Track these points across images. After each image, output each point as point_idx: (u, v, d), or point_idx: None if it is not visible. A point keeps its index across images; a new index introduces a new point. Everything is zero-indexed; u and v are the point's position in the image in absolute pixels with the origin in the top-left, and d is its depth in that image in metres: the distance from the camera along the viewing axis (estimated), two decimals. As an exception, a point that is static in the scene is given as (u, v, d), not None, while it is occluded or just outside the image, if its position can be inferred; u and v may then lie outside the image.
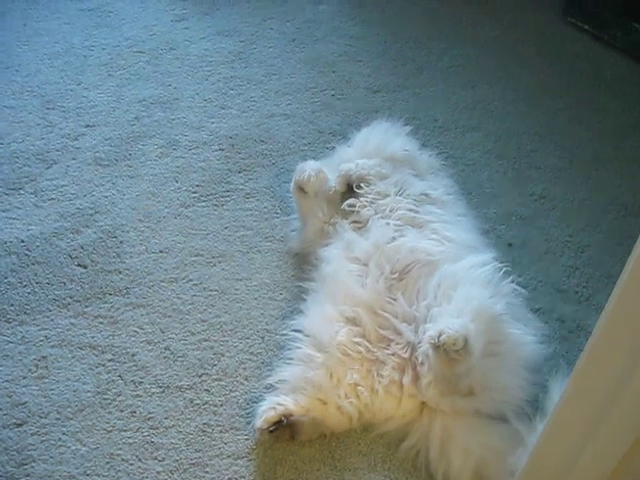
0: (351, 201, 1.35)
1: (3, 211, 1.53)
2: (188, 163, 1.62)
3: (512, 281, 1.21)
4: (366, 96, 1.83)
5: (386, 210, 1.32)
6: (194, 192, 1.56)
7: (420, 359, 1.13)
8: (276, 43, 2.01)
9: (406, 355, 1.16)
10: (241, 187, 1.57)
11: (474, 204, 1.53)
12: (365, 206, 1.33)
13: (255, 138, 1.69)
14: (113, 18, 2.12)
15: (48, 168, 1.62)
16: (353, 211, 1.34)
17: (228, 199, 1.54)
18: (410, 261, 1.24)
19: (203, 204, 1.53)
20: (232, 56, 1.96)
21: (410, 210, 1.31)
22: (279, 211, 1.51)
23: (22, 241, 1.46)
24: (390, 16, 2.13)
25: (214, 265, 1.41)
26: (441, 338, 1.04)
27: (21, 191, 1.57)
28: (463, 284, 1.16)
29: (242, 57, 1.95)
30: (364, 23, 2.09)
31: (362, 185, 1.36)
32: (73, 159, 1.64)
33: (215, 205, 1.53)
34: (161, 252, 1.43)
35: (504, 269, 1.21)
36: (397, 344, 1.18)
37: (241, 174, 1.60)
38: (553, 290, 1.41)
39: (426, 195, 1.35)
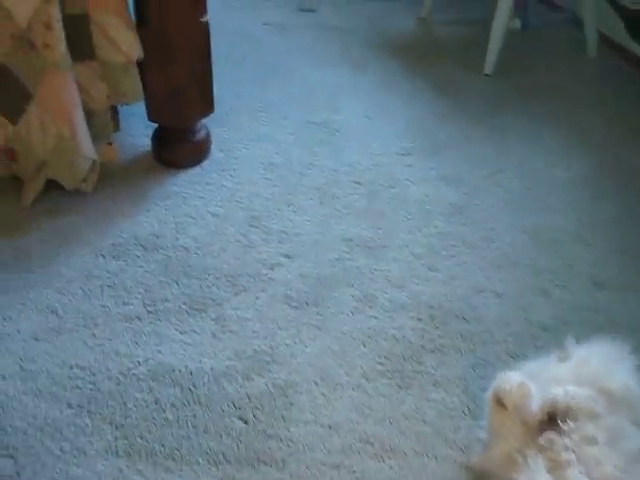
0: (551, 437, 1.23)
1: (181, 332, 1.54)
2: (381, 327, 1.56)
3: None
4: (588, 289, 1.70)
5: (590, 462, 1.18)
6: (380, 363, 1.49)
7: None
8: (499, 203, 1.93)
9: None
10: (431, 371, 1.49)
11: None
12: (566, 448, 1.21)
13: (458, 314, 1.61)
14: (338, 137, 2.14)
15: (236, 295, 1.62)
16: (551, 448, 1.22)
17: (414, 382, 1.46)
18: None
19: (386, 381, 1.46)
20: (452, 208, 1.90)
21: (619, 470, 1.17)
22: (467, 411, 1.41)
23: (191, 373, 1.45)
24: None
25: (383, 460, 1.32)
26: None
27: (203, 314, 1.58)
28: None
29: (462, 212, 1.89)
30: (600, 197, 1.98)
31: (567, 420, 1.24)
32: (263, 291, 1.63)
33: (399, 386, 1.45)
34: (330, 428, 1.37)
35: None
36: None
37: (434, 354, 1.52)
38: None
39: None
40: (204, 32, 1.78)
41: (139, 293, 1.61)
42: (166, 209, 1.84)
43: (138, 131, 2.10)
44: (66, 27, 1.66)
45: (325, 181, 1.95)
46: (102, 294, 1.61)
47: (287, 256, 1.71)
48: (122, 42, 1.72)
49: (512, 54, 2.55)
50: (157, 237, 1.76)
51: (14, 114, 1.74)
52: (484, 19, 2.61)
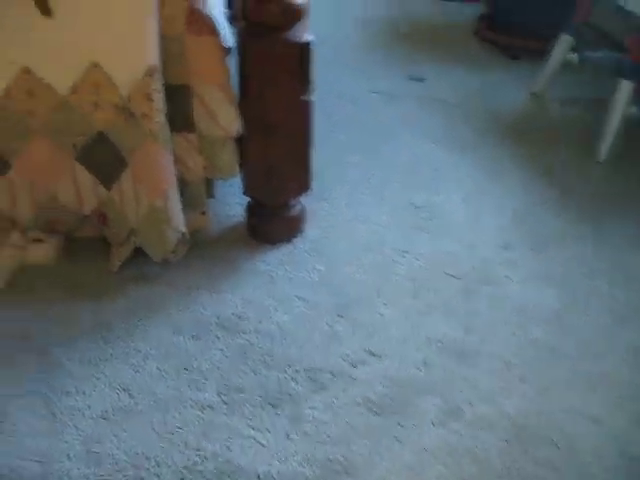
0: None
1: (253, 429, 1.47)
2: (464, 445, 1.46)
3: None
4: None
5: None
6: (459, 488, 1.39)
7: None
8: (602, 312, 1.80)
9: None
10: (515, 503, 1.38)
11: None
12: None
13: (549, 437, 1.49)
14: (436, 223, 2.06)
15: (315, 392, 1.55)
16: None
17: (495, 514, 1.36)
18: None
19: (464, 510, 1.36)
20: (550, 313, 1.79)
21: None
22: None
23: (258, 477, 1.39)
24: None
25: None
26: None
27: (278, 410, 1.51)
28: None
29: (561, 318, 1.77)
30: None
31: None
32: (343, 391, 1.56)
33: (477, 518, 1.35)
34: None
35: None
36: None
37: (519, 483, 1.41)
38: None
39: None
40: (306, 111, 1.74)
41: (215, 379, 1.56)
42: (253, 288, 1.80)
43: (233, 199, 2.07)
44: (167, 98, 1.65)
45: (419, 271, 1.87)
46: (178, 376, 1.57)
47: (372, 353, 1.63)
48: (222, 116, 1.70)
49: (629, 141, 2.42)
50: (240, 318, 1.71)
51: (109, 180, 1.73)
52: (602, 99, 2.48)
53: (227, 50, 1.76)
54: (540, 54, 2.79)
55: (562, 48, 2.66)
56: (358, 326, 1.70)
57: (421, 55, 3.09)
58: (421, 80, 2.86)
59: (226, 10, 2.09)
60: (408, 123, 2.55)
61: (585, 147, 2.44)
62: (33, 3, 1.57)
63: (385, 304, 1.76)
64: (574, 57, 2.65)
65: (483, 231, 2.01)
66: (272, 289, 1.79)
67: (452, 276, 1.86)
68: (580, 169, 2.35)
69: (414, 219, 2.05)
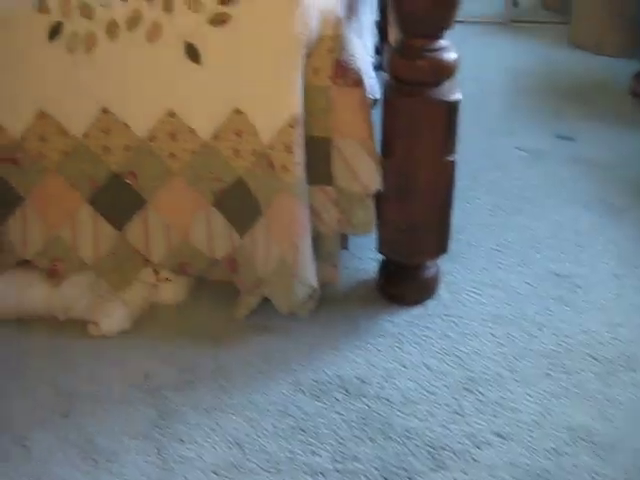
0: None
1: (365, 504, 1.40)
2: None
3: None
4: None
5: None
6: None
7: None
8: None
9: None
10: None
11: None
12: None
13: None
14: (578, 296, 1.94)
15: (433, 471, 1.47)
16: None
17: None
18: None
19: None
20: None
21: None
22: None
23: None
24: None
25: None
26: None
27: (392, 488, 1.44)
28: None
29: None
30: None
31: None
32: (464, 473, 1.47)
33: None
34: None
35: None
36: None
37: None
38: None
39: None
40: (449, 171, 1.68)
41: (330, 444, 1.51)
42: (378, 350, 1.74)
43: (366, 254, 2.03)
44: (307, 149, 1.62)
45: (556, 348, 1.76)
46: (292, 436, 1.53)
47: (499, 435, 1.53)
48: (362, 172, 1.66)
49: None
50: (362, 382, 1.65)
51: (243, 227, 1.72)
52: None
53: (372, 102, 1.72)
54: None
55: None
56: (485, 403, 1.60)
57: (571, 112, 2.96)
58: (570, 139, 2.73)
59: (373, 58, 2.06)
60: (553, 184, 2.44)
61: None
62: (183, 49, 1.58)
63: (516, 381, 1.66)
64: None
65: (629, 310, 1.88)
66: (398, 353, 1.73)
67: (592, 357, 1.74)
68: None
69: (554, 290, 1.94)
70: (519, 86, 3.22)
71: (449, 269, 1.99)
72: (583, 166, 2.57)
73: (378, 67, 2.15)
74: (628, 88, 3.14)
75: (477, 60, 3.44)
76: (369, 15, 2.29)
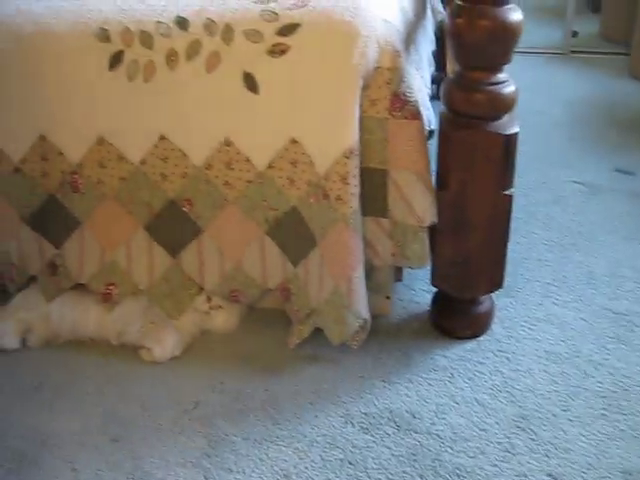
0: None
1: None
2: None
3: None
4: None
5: None
6: None
7: None
8: None
9: None
10: None
11: None
12: None
13: None
14: (636, 335, 1.90)
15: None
16: None
17: None
18: None
19: None
20: None
21: None
22: None
23: None
24: None
25: None
26: None
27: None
28: None
29: None
30: None
31: None
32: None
33: None
34: None
35: None
36: None
37: None
38: None
39: None
40: (506, 205, 1.66)
41: (379, 479, 1.49)
42: (429, 384, 1.72)
43: (420, 286, 2.02)
44: (362, 180, 1.62)
45: (612, 389, 1.72)
46: (340, 469, 1.52)
47: (551, 475, 1.51)
48: (417, 205, 1.65)
49: None
50: (413, 416, 1.64)
51: (296, 257, 1.73)
52: None
53: (429, 134, 1.72)
54: None
55: None
56: (538, 442, 1.58)
57: (631, 145, 2.92)
58: (630, 174, 2.69)
59: (429, 89, 2.06)
60: (612, 220, 2.40)
61: None
62: (241, 78, 1.59)
63: (570, 421, 1.63)
64: None
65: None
66: (450, 388, 1.71)
67: (649, 398, 1.69)
68: None
69: (612, 328, 1.90)
70: (578, 118, 3.19)
71: (504, 303, 1.97)
72: (641, 201, 2.52)
73: (433, 97, 2.14)
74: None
75: (537, 91, 3.42)
76: (427, 46, 2.29)
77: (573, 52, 4.04)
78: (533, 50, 3.95)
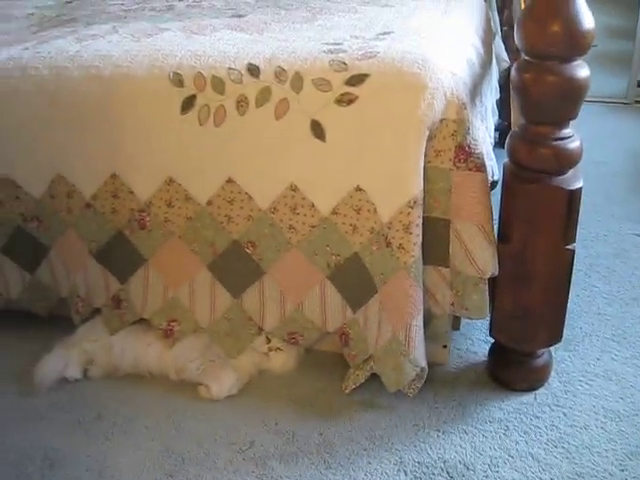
0: None
1: None
2: None
3: None
4: None
5: None
6: None
7: None
8: None
9: None
10: None
11: None
12: None
13: None
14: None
15: None
16: None
17: None
18: None
19: None
20: None
21: None
22: None
23: None
24: None
25: None
26: None
27: None
28: None
29: None
30: None
31: None
32: None
33: None
34: None
35: None
36: None
37: None
38: None
39: None
40: (568, 260, 1.66)
41: (431, 531, 1.48)
42: (484, 436, 1.71)
43: (477, 336, 2.02)
44: (425, 229, 1.64)
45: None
46: (393, 518, 1.51)
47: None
48: (478, 256, 1.66)
49: None
50: (467, 468, 1.63)
51: (356, 303, 1.75)
52: None
53: (492, 184, 1.73)
54: None
55: None
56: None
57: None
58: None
59: (492, 138, 2.08)
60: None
61: None
62: (309, 126, 1.62)
63: (628, 481, 1.60)
64: None
65: None
66: (505, 441, 1.70)
67: None
68: None
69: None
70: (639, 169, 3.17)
71: (562, 357, 1.96)
72: None
73: (496, 145, 2.15)
74: None
75: (599, 141, 3.40)
76: (491, 95, 2.31)
77: (638, 102, 4.00)
78: (596, 99, 3.93)
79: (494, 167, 1.83)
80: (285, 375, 1.88)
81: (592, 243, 2.53)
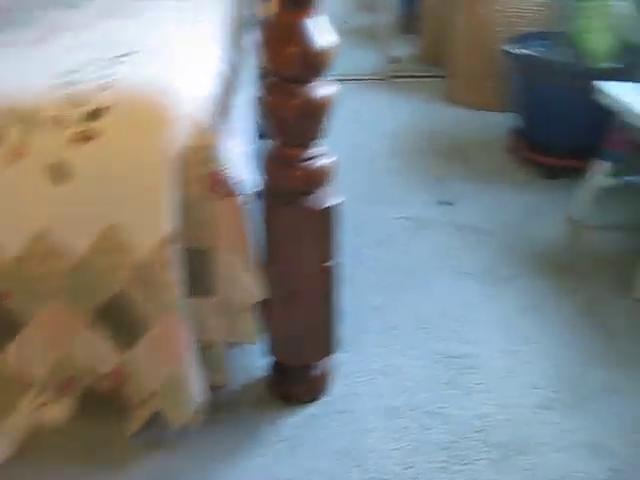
0: None
1: None
2: None
3: None
4: None
5: None
6: None
7: None
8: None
9: None
10: None
11: None
12: None
13: None
14: (470, 377, 1.96)
15: None
16: None
17: None
18: None
19: None
20: (594, 491, 1.66)
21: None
22: None
23: None
24: None
25: None
26: None
27: None
28: None
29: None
30: None
31: None
32: None
33: None
34: None
35: None
36: None
37: None
38: None
39: None
40: (327, 276, 1.68)
41: None
42: (274, 456, 1.71)
43: (256, 355, 1.97)
44: (188, 261, 1.59)
45: (451, 438, 1.76)
46: None
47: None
48: (243, 282, 1.63)
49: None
50: (259, 496, 1.61)
51: (127, 342, 1.69)
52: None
53: (254, 197, 1.69)
54: (580, 173, 2.68)
55: (599, 173, 2.57)
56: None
57: (450, 174, 3.01)
58: (450, 204, 2.77)
59: (251, 144, 2.03)
60: (438, 256, 2.46)
61: (624, 281, 2.30)
62: (47, 170, 1.52)
63: (413, 479, 1.65)
64: (616, 181, 2.55)
65: (520, 388, 1.90)
66: (294, 461, 1.70)
67: (484, 444, 1.75)
68: (618, 308, 2.21)
69: (446, 373, 1.95)
70: (399, 148, 3.26)
71: (343, 359, 1.95)
72: (462, 233, 2.59)
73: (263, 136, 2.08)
74: (505, 146, 3.22)
75: (358, 122, 3.46)
76: (248, 95, 2.23)
77: (393, 77, 4.10)
78: (354, 77, 3.98)
79: (255, 180, 1.79)
80: (65, 427, 1.77)
81: (356, 231, 2.55)
